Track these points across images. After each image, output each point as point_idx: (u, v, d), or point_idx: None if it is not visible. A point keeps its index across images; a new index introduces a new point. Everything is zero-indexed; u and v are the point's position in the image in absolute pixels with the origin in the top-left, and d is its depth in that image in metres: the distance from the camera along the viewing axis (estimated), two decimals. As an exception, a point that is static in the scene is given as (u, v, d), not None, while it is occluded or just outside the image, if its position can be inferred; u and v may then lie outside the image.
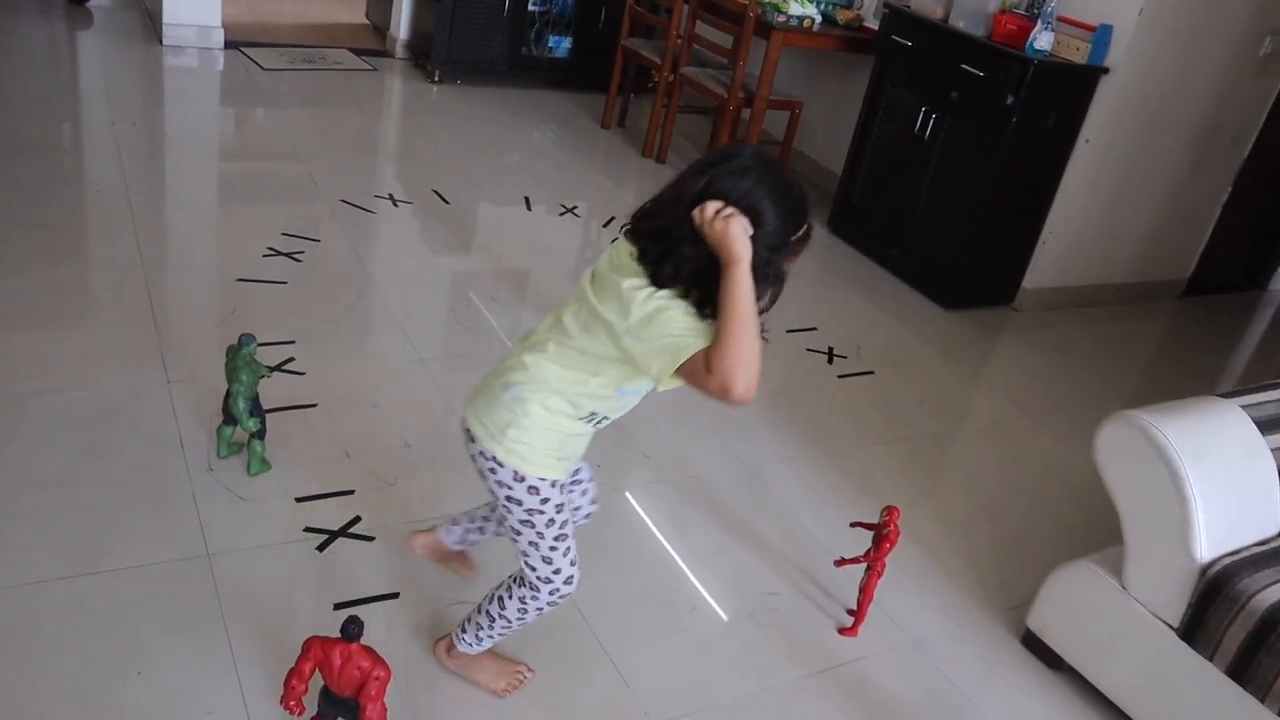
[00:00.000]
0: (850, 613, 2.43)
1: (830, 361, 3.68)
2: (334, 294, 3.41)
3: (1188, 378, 4.25)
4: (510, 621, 1.95)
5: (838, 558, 2.46)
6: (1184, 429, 2.19)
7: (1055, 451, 3.41)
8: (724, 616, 2.41)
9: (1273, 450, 2.31)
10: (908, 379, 3.69)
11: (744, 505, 2.80)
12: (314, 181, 4.25)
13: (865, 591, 2.37)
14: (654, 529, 2.65)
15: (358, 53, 6.12)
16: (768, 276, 1.61)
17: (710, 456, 2.98)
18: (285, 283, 3.40)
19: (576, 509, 2.03)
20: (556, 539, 1.81)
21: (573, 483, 2.00)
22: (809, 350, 3.73)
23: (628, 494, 2.75)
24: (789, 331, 3.80)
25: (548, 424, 1.72)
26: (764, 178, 1.58)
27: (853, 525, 2.47)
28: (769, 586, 2.53)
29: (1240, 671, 2.06)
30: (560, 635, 2.24)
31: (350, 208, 4.06)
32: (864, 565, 2.36)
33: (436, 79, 5.85)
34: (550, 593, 1.87)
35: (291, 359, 2.98)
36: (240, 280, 3.36)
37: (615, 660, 2.21)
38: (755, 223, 1.55)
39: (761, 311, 1.57)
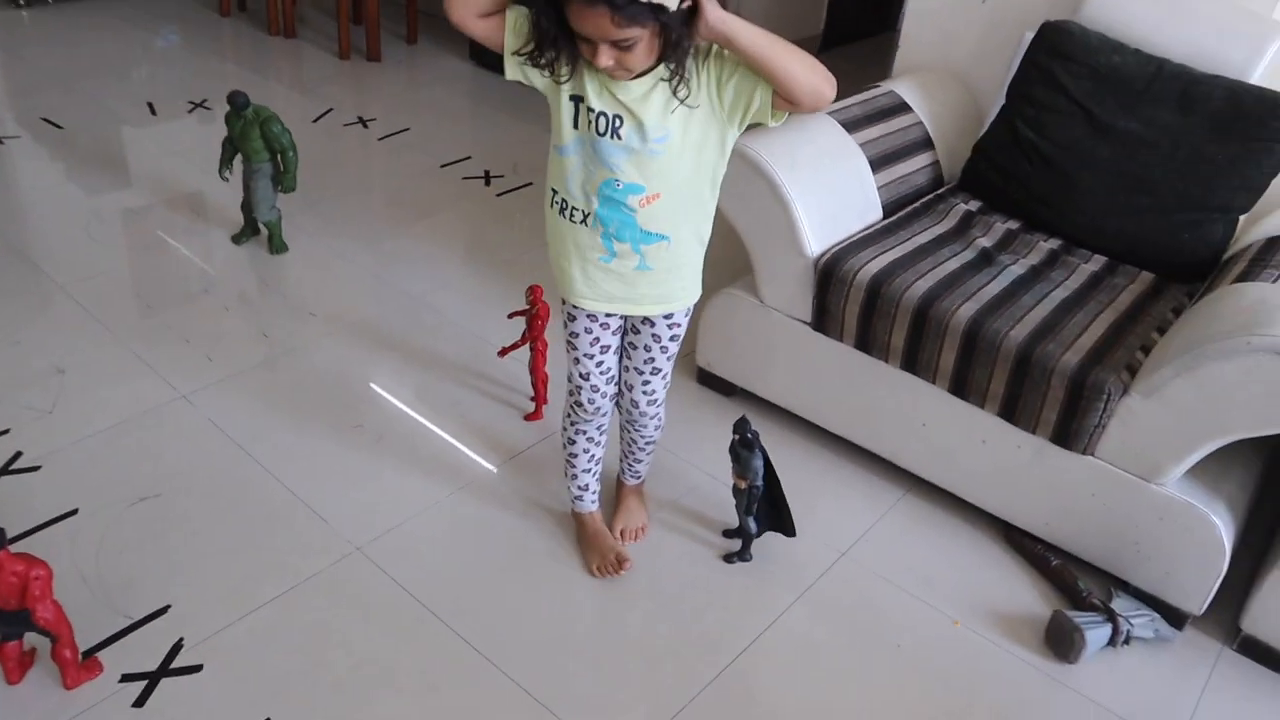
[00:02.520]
0: (530, 399, 2.54)
1: (488, 183, 3.72)
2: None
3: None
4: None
5: (499, 349, 2.55)
6: (775, 143, 2.35)
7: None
8: (412, 436, 2.47)
9: (861, 145, 2.53)
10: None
11: (415, 332, 2.85)
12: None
13: (536, 373, 2.47)
14: (333, 372, 2.66)
15: (-76, -6, 5.48)
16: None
17: (377, 299, 3.00)
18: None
19: (610, 374, 1.98)
20: (568, 349, 1.94)
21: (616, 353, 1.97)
22: (465, 179, 3.75)
23: (302, 351, 2.74)
24: (443, 166, 3.81)
25: (549, 219, 1.79)
26: None
27: (510, 316, 2.55)
28: (452, 398, 2.60)
29: (864, 341, 2.29)
30: (252, 495, 2.25)
31: (-53, 156, 3.72)
32: (526, 348, 2.46)
33: (23, 3, 5.34)
34: (568, 393, 2.02)
35: (-91, 320, 2.77)
36: None
37: (310, 503, 2.24)
38: None
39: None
